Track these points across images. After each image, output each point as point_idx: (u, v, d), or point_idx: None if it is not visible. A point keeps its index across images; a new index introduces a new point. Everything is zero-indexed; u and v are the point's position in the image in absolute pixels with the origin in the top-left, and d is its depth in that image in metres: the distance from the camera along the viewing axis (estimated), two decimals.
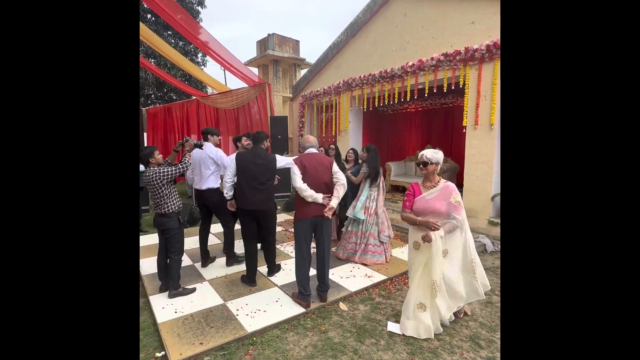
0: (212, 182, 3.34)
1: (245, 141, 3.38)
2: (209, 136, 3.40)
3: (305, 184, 2.57)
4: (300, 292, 2.67)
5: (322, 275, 2.71)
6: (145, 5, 11.00)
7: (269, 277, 3.19)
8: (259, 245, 3.27)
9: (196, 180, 3.37)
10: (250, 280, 3.04)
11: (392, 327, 2.41)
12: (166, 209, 2.70)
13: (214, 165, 3.33)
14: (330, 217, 2.63)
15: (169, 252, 2.79)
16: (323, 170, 2.67)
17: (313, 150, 2.77)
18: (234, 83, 36.81)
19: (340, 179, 2.67)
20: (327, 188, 2.67)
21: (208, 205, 3.41)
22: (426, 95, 6.16)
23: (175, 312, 2.56)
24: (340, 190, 2.64)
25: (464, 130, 4.67)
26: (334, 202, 2.59)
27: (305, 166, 2.63)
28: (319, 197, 2.58)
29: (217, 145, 3.46)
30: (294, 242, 2.82)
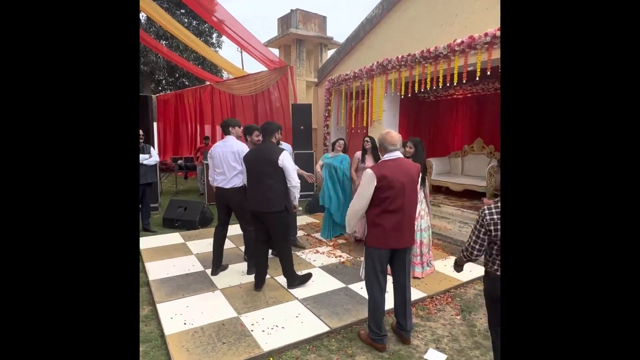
0: (236, 180, 3.38)
1: (256, 136, 3.41)
2: (230, 128, 3.46)
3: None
4: (373, 331, 2.37)
5: (403, 313, 2.45)
6: None
7: (289, 290, 3.21)
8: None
9: (219, 179, 3.42)
10: (255, 284, 3.23)
11: (432, 355, 2.33)
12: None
13: (237, 162, 3.34)
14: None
15: None
16: (412, 187, 2.19)
17: (398, 154, 2.21)
18: (252, 66, 37.41)
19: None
20: (414, 212, 2.27)
21: (229, 206, 3.49)
22: (477, 78, 5.89)
23: (185, 323, 2.63)
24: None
25: None
26: None
27: (394, 185, 2.10)
28: None
29: (239, 138, 3.51)
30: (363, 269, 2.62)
